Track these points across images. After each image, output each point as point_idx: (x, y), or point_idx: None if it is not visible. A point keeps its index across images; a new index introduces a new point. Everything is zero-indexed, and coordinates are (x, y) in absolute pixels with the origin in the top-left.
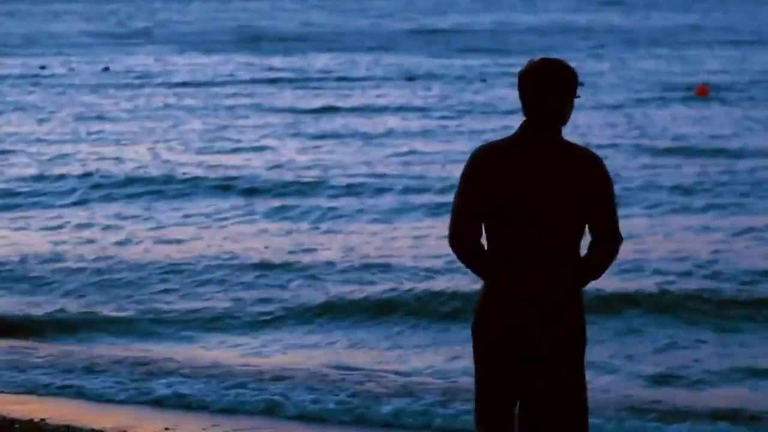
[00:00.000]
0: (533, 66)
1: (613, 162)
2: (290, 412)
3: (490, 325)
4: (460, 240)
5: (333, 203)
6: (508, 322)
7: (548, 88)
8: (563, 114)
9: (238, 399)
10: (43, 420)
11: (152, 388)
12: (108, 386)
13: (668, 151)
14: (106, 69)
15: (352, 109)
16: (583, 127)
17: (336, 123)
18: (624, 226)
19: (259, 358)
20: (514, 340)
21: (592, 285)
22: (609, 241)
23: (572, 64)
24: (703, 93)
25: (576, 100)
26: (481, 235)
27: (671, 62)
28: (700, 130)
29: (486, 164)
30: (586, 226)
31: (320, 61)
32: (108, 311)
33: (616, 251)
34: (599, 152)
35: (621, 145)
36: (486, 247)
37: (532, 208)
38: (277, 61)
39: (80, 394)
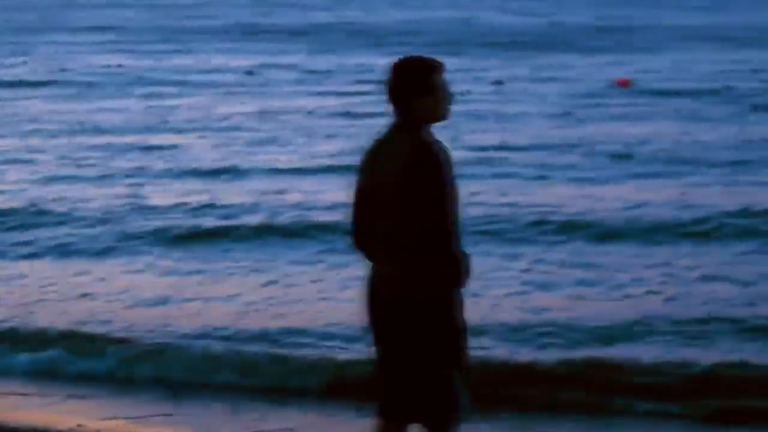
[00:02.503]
0: (390, 65)
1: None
2: None
3: (365, 305)
4: (354, 235)
5: None
6: (369, 303)
7: (394, 84)
8: (414, 109)
9: None
10: None
11: None
12: None
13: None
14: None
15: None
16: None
17: None
18: None
19: None
20: (373, 319)
21: None
22: (438, 244)
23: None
24: (624, 84)
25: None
26: (371, 224)
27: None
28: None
29: (362, 161)
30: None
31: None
32: None
33: (449, 256)
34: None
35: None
36: None
37: (381, 201)
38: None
39: None
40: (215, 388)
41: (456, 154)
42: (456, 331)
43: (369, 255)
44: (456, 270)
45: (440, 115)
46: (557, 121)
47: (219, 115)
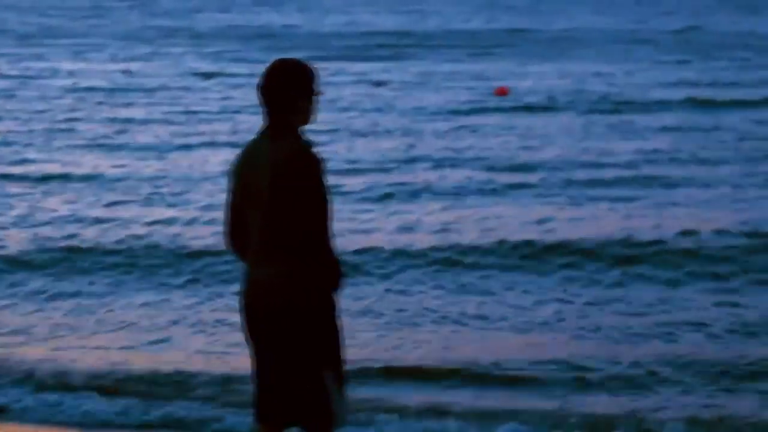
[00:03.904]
0: (267, 67)
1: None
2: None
3: (241, 308)
4: (229, 237)
5: None
6: (245, 306)
7: (280, 86)
8: (296, 112)
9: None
10: None
11: None
12: None
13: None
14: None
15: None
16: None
17: None
18: None
19: None
20: (249, 322)
21: None
22: (318, 246)
23: (311, 64)
24: (502, 93)
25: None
26: (245, 228)
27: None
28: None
29: (235, 165)
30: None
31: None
32: None
33: (328, 258)
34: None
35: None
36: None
37: (257, 203)
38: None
39: None
40: None
41: (334, 165)
42: (334, 333)
43: (245, 257)
44: (334, 272)
45: (313, 119)
46: (433, 132)
47: (100, 120)
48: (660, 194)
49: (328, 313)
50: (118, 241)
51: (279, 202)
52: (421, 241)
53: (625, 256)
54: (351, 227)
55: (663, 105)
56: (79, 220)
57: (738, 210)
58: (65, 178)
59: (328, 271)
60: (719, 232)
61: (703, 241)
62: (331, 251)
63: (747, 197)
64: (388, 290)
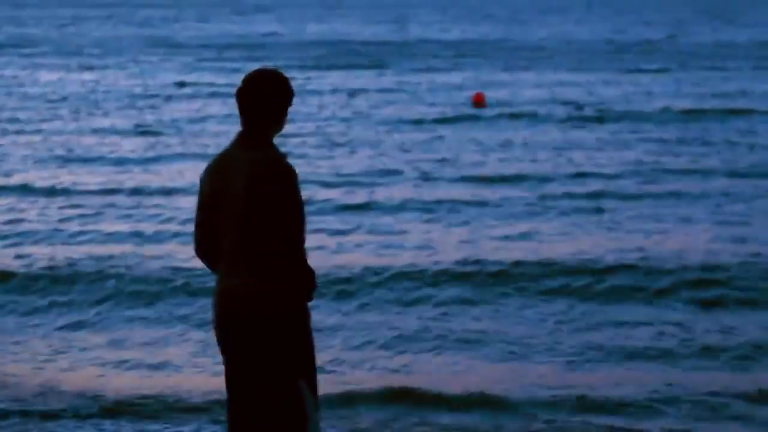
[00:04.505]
0: (247, 75)
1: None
2: None
3: (214, 317)
4: (199, 246)
5: None
6: (218, 315)
7: (253, 93)
8: (281, 122)
9: None
10: None
11: None
12: None
13: None
14: None
15: None
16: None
17: None
18: None
19: None
20: (222, 332)
21: None
22: (293, 256)
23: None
24: (479, 101)
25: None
26: (217, 237)
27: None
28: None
29: (207, 174)
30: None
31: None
32: None
33: (303, 268)
34: None
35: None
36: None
37: (230, 212)
38: None
39: None
40: None
41: (311, 177)
42: (308, 342)
43: (215, 267)
44: (308, 281)
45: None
46: (410, 142)
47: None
48: (644, 206)
49: (302, 322)
50: (99, 257)
51: (256, 208)
52: (402, 257)
53: (613, 270)
54: (326, 242)
55: (644, 115)
56: (59, 234)
57: (724, 223)
58: (44, 190)
59: (302, 279)
60: (705, 247)
61: (688, 255)
62: (305, 261)
63: (733, 210)
64: (369, 308)
